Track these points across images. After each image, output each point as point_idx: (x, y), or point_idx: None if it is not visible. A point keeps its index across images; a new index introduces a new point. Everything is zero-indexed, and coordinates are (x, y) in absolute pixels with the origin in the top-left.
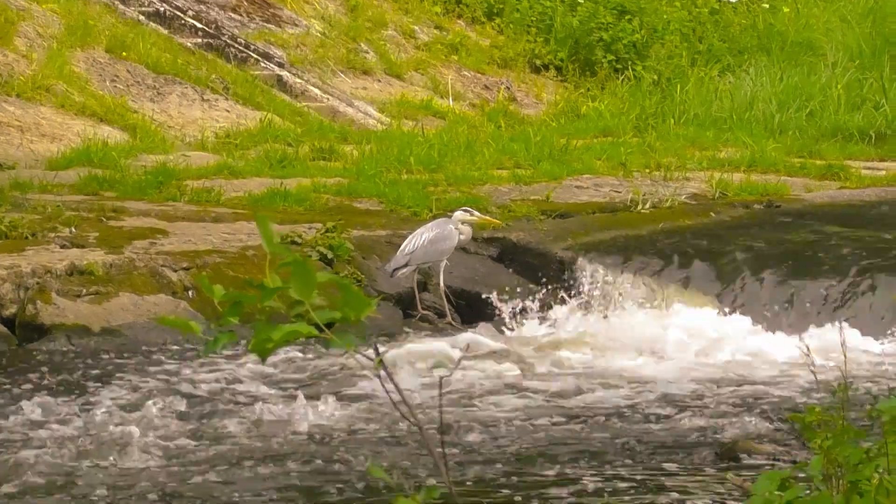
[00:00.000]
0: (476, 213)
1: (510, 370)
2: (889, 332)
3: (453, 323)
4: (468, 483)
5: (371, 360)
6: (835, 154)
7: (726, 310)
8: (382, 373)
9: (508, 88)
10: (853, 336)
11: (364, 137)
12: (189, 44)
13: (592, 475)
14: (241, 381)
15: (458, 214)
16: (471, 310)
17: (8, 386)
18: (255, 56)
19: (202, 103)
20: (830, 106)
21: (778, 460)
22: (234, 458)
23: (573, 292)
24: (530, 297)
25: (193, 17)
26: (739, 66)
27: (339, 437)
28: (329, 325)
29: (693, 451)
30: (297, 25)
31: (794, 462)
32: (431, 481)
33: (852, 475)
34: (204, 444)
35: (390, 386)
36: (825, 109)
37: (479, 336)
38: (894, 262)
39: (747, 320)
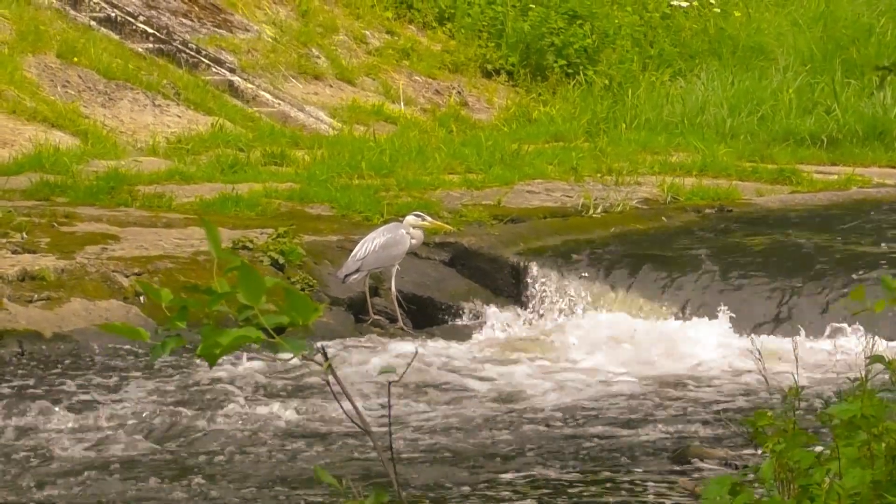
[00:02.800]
0: (428, 217)
1: (461, 374)
2: (841, 335)
3: (405, 328)
4: (417, 487)
5: (320, 364)
6: (786, 158)
7: (678, 315)
8: (331, 377)
9: (460, 93)
10: (805, 339)
11: (315, 142)
12: (140, 49)
13: (540, 480)
14: (193, 385)
15: (410, 219)
16: (423, 315)
17: None
18: (206, 61)
19: (154, 108)
20: (782, 110)
21: (730, 465)
22: (185, 463)
23: (525, 297)
24: (482, 302)
25: (144, 23)
26: (691, 70)
27: (291, 440)
28: (281, 330)
29: (644, 455)
30: (248, 31)
31: (746, 466)
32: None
33: (803, 479)
34: (153, 449)
35: (338, 390)
36: (776, 114)
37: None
38: (846, 266)
39: (699, 325)
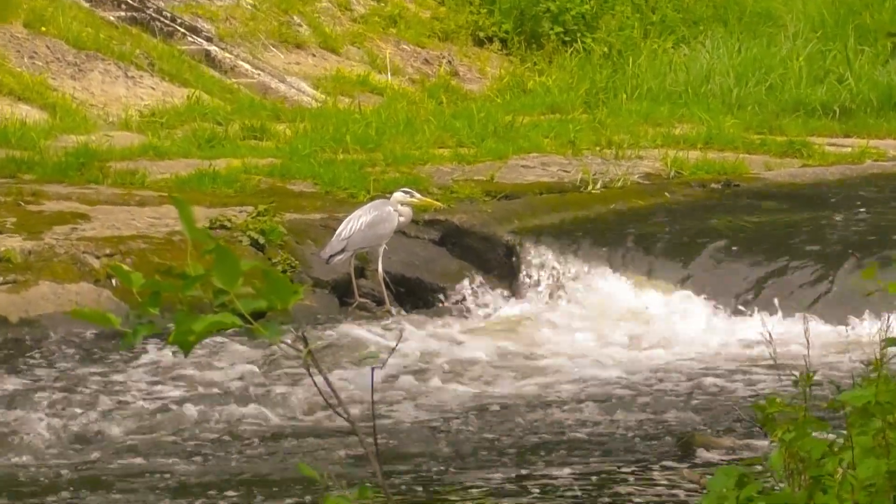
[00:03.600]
0: (416, 194)
1: (452, 360)
2: (854, 319)
3: (392, 311)
4: (404, 480)
5: (300, 351)
6: (796, 130)
7: (683, 296)
8: (311, 364)
9: (450, 63)
10: (817, 323)
11: (297, 115)
12: (112, 17)
13: (537, 471)
14: (169, 373)
15: (398, 196)
16: (411, 297)
17: None
18: (181, 30)
19: (126, 80)
20: (791, 79)
21: (737, 454)
22: (159, 457)
23: (520, 277)
24: (474, 283)
25: None
26: (695, 37)
27: (271, 431)
28: (260, 315)
29: (647, 444)
30: None
31: (754, 456)
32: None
33: (815, 470)
34: (123, 440)
35: (320, 378)
36: (786, 83)
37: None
38: (860, 245)
39: (706, 307)
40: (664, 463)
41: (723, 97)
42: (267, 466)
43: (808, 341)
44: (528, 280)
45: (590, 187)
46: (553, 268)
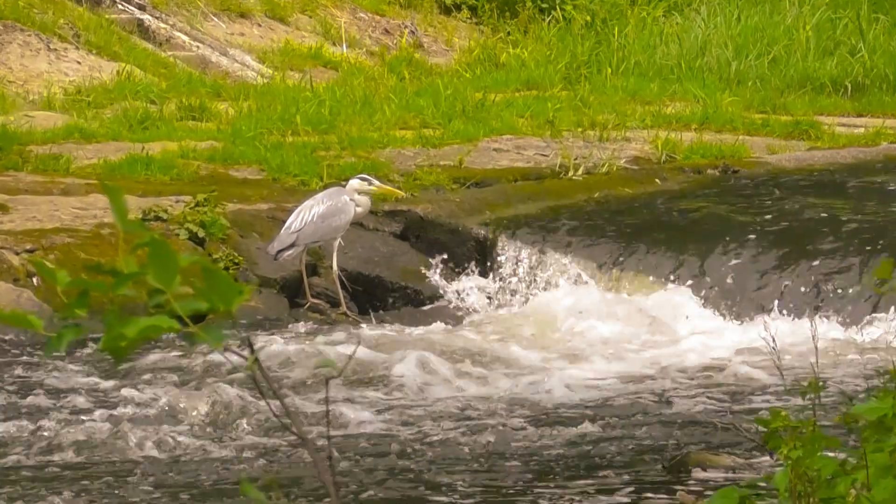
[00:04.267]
0: (375, 181)
1: (415, 367)
2: (867, 320)
3: (349, 313)
4: (361, 501)
5: (245, 358)
6: (803, 108)
7: (675, 295)
8: (258, 373)
9: (413, 33)
10: (826, 325)
11: (241, 92)
12: None
13: (515, 492)
14: (96, 378)
15: (355, 184)
16: (369, 297)
17: None
18: None
19: (48, 53)
20: (797, 51)
21: (738, 474)
22: (85, 473)
23: (492, 275)
24: (441, 282)
25: None
26: (688, 4)
27: (213, 445)
28: (201, 318)
29: (635, 463)
30: None
31: (756, 476)
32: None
33: (825, 492)
34: (54, 456)
35: (268, 389)
36: (791, 55)
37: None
38: (873, 238)
39: (699, 307)
40: (656, 484)
41: (720, 72)
42: (208, 486)
43: (815, 346)
44: (501, 277)
45: (571, 173)
46: (530, 264)
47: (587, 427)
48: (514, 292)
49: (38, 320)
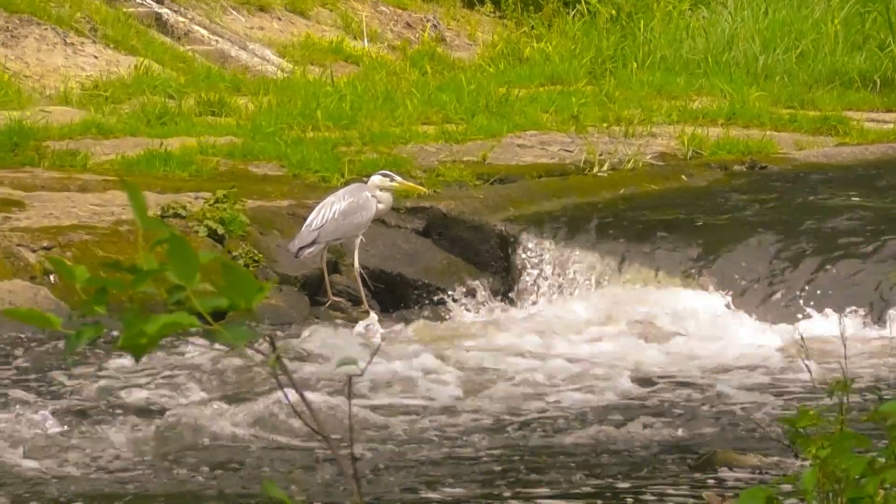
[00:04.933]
0: (397, 177)
1: (439, 366)
2: None
3: (370, 312)
4: (386, 502)
5: (266, 356)
6: (831, 104)
7: (701, 293)
8: (279, 371)
9: (435, 27)
10: (855, 323)
11: (261, 87)
12: None
13: (535, 494)
14: (117, 378)
15: (376, 180)
16: (392, 295)
17: None
18: None
19: (65, 48)
20: (826, 46)
21: (765, 473)
22: (107, 476)
23: (515, 273)
24: (464, 279)
25: None
26: None
27: (234, 445)
28: (221, 315)
29: (662, 462)
30: None
31: (784, 476)
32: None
33: (853, 491)
34: (76, 459)
35: (289, 388)
36: (819, 50)
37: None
38: None
39: (727, 304)
40: (681, 483)
41: (747, 66)
42: (229, 487)
43: (844, 344)
44: (524, 275)
45: (595, 169)
46: (554, 262)
47: (612, 425)
48: (537, 289)
49: (56, 318)
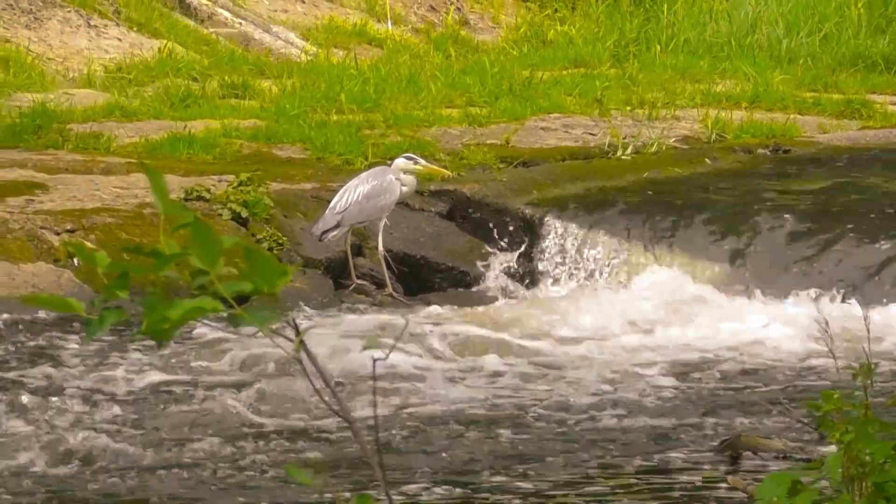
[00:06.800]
0: (421, 160)
1: (462, 350)
2: None
3: (394, 294)
4: (409, 486)
5: (290, 340)
6: (855, 87)
7: (727, 277)
8: (304, 356)
9: (459, 10)
10: (880, 307)
11: (285, 70)
12: None
13: (560, 476)
14: (140, 362)
15: (400, 163)
16: (416, 278)
17: None
18: None
19: (88, 30)
20: (849, 28)
21: (789, 458)
22: (131, 457)
23: (539, 256)
24: (487, 263)
25: None
26: None
27: (258, 430)
28: (244, 299)
29: (686, 447)
30: None
31: (809, 460)
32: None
33: (877, 476)
34: (101, 443)
35: (313, 371)
36: (843, 33)
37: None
38: None
39: (753, 289)
40: (706, 468)
41: (770, 49)
42: (254, 469)
43: (867, 327)
44: (548, 258)
45: (619, 153)
46: (577, 245)
47: (636, 409)
48: (561, 273)
49: (79, 304)
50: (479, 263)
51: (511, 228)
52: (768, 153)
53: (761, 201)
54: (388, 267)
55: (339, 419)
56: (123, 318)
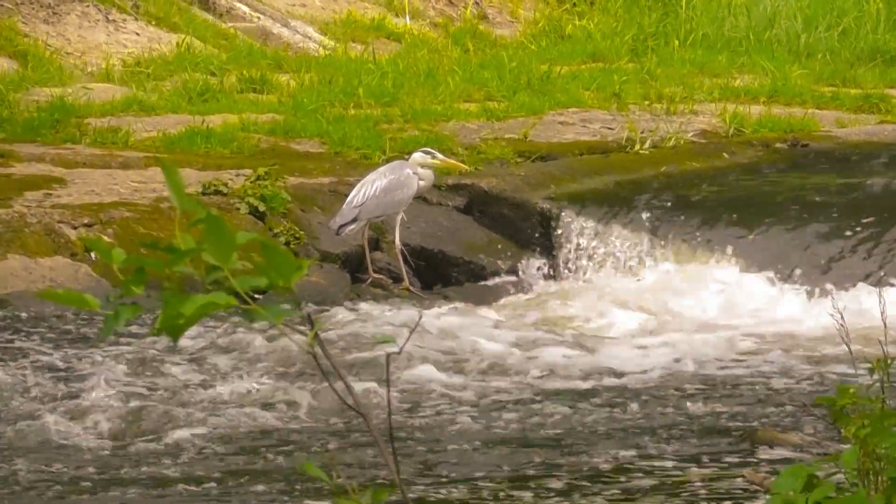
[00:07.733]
0: (439, 155)
1: (480, 345)
2: None
3: (411, 289)
4: (423, 480)
5: (305, 334)
6: (873, 81)
7: (743, 270)
8: (318, 350)
9: (477, 4)
10: None
11: (303, 64)
12: None
13: (575, 470)
14: (155, 357)
15: (417, 157)
16: (433, 272)
17: None
18: None
19: (107, 25)
20: (868, 23)
21: (805, 453)
22: (144, 453)
23: (557, 250)
24: (505, 257)
25: None
26: None
27: (272, 424)
28: (261, 294)
29: (703, 441)
30: None
31: (825, 455)
32: (378, 476)
33: (894, 470)
34: (108, 436)
35: (327, 366)
36: (861, 27)
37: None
38: None
39: (768, 282)
40: (722, 462)
41: (789, 44)
42: (269, 464)
43: (884, 321)
44: (566, 253)
45: (637, 147)
46: (595, 239)
47: (653, 402)
48: (578, 267)
49: (94, 300)
50: (496, 258)
51: (529, 223)
52: (786, 147)
53: (779, 196)
54: (405, 261)
55: (354, 413)
56: (139, 314)
